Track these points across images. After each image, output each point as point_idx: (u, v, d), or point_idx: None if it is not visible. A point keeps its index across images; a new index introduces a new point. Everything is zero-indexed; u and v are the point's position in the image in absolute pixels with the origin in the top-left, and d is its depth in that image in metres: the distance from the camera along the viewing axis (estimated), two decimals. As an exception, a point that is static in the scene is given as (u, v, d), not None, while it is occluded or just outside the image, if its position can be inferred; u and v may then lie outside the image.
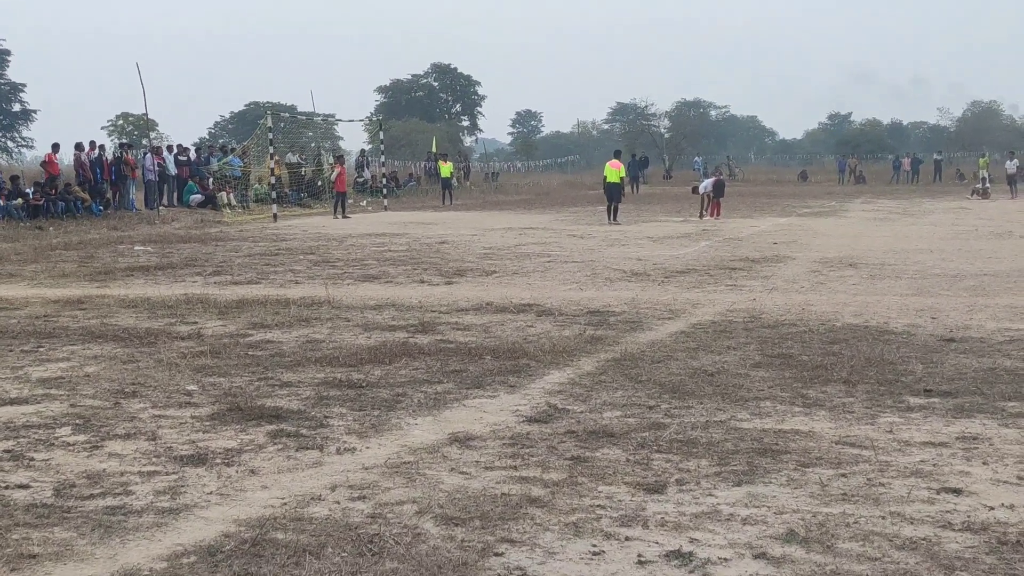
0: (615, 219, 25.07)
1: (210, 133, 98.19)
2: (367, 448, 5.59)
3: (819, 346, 8.45)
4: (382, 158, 40.63)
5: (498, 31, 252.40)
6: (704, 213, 26.97)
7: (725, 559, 4.02)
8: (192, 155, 32.67)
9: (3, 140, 74.59)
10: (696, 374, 7.37)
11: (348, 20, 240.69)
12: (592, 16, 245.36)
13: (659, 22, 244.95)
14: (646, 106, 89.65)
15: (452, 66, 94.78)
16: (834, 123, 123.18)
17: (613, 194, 25.56)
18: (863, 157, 71.92)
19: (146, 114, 31.91)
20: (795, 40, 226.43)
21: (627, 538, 4.23)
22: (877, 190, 49.42)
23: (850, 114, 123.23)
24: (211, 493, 4.84)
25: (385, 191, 36.84)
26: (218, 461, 5.36)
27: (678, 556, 4.05)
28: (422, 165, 52.01)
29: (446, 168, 39.66)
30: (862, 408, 6.40)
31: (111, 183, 27.92)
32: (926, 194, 43.97)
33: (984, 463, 5.26)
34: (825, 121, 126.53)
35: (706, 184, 28.31)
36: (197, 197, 30.39)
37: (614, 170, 25.84)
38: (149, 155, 29.58)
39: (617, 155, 27.11)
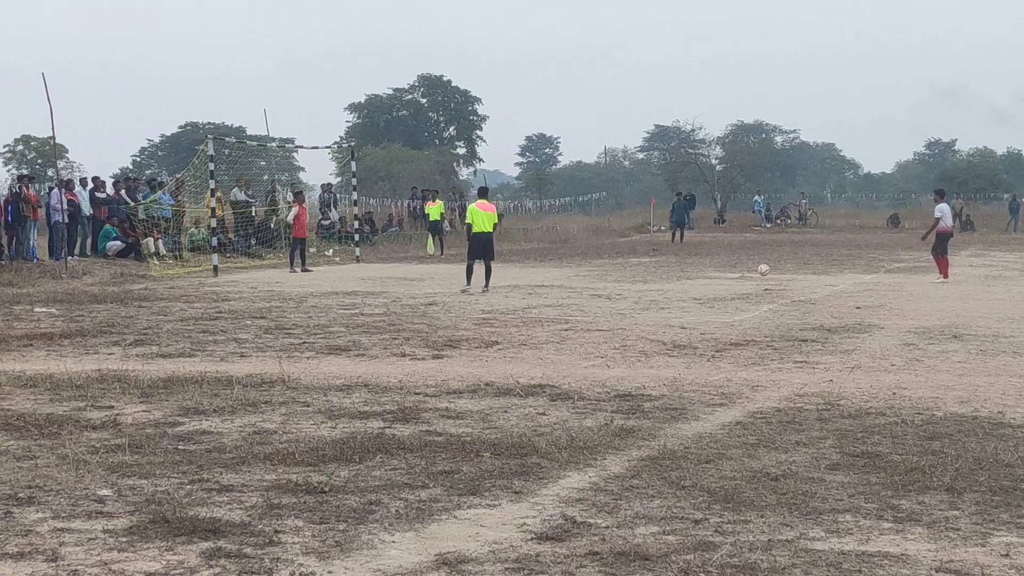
0: (485, 285, 22.39)
1: (134, 162, 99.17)
2: (329, 573, 5.57)
3: (914, 443, 8.44)
4: (354, 195, 40.82)
5: (503, 36, 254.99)
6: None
7: None
8: (110, 190, 32.87)
9: None
10: (756, 478, 7.35)
11: (311, 21, 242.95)
12: (622, 18, 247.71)
13: (708, 25, 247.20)
14: (692, 130, 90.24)
15: (445, 78, 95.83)
16: (934, 153, 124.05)
17: (484, 248, 22.77)
18: (971, 197, 72.21)
19: (53, 138, 32.15)
20: (878, 47, 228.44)
21: None
22: (989, 239, 49.51)
23: (954, 142, 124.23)
24: (127, 631, 4.82)
25: (357, 237, 37.03)
26: (137, 589, 5.34)
27: None
28: (406, 204, 52.31)
29: (435, 208, 39.88)
30: (970, 524, 6.38)
31: (6, 226, 28.06)
32: (1053, 244, 44.02)
33: None
34: (922, 151, 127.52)
35: (945, 211, 26.23)
36: (116, 244, 30.51)
37: (485, 214, 23.04)
38: (56, 190, 29.76)
39: (483, 194, 24.39)
